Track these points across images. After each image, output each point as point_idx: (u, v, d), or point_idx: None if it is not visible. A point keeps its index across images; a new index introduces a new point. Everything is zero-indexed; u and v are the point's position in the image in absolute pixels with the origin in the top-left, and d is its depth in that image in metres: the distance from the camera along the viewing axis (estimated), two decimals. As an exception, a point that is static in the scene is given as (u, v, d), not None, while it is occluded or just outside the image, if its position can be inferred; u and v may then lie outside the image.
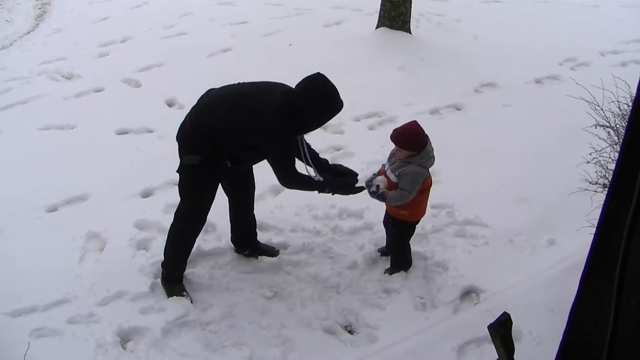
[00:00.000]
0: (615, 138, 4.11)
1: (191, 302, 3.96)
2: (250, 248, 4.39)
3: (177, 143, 3.84)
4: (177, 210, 4.00)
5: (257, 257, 4.37)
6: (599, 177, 4.12)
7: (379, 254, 4.40)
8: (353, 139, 5.86)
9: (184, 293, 4.00)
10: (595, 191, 4.09)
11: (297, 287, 4.15)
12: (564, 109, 5.93)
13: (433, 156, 3.91)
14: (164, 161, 4.55)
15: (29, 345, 3.43)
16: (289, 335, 3.78)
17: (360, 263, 4.35)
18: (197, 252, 4.29)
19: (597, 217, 1.63)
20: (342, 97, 3.59)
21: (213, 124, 3.69)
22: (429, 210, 4.26)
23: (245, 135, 3.66)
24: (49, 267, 4.20)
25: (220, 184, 3.98)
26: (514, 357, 2.16)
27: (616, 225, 1.48)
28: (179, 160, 3.83)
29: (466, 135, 5.93)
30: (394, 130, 3.89)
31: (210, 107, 3.77)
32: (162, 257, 4.10)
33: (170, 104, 6.58)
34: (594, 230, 1.72)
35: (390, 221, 4.18)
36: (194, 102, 3.89)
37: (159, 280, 4.12)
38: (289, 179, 3.73)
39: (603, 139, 4.24)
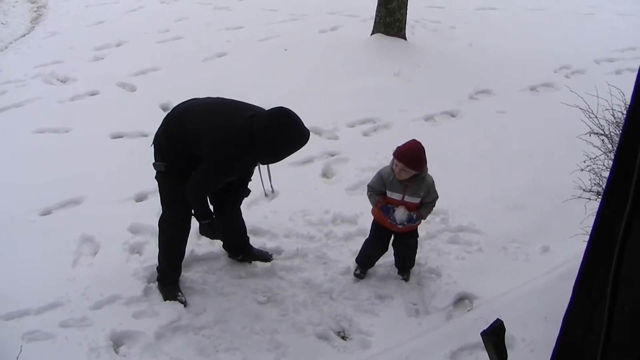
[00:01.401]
0: (610, 146, 4.12)
1: (186, 304, 3.96)
2: (243, 253, 4.38)
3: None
4: (160, 219, 3.98)
5: (251, 262, 4.36)
6: (592, 185, 4.12)
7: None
8: (347, 145, 5.85)
9: (179, 294, 4.01)
10: (589, 199, 4.10)
11: (291, 292, 4.14)
12: (558, 116, 5.95)
13: None
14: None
15: (22, 349, 3.41)
16: (281, 340, 3.77)
17: (354, 269, 4.34)
18: (190, 257, 4.28)
19: (591, 225, 1.63)
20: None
21: (178, 129, 3.69)
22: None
23: (200, 144, 3.58)
24: (42, 271, 4.19)
25: None
26: (507, 364, 2.16)
27: (610, 233, 1.48)
28: None
29: (461, 142, 5.94)
30: (406, 157, 3.83)
31: (180, 114, 3.78)
32: (156, 262, 4.11)
33: (165, 108, 6.53)
34: (587, 237, 1.72)
35: (408, 237, 4.18)
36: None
37: (152, 284, 4.11)
38: (196, 195, 3.66)
39: (597, 147, 4.26)
